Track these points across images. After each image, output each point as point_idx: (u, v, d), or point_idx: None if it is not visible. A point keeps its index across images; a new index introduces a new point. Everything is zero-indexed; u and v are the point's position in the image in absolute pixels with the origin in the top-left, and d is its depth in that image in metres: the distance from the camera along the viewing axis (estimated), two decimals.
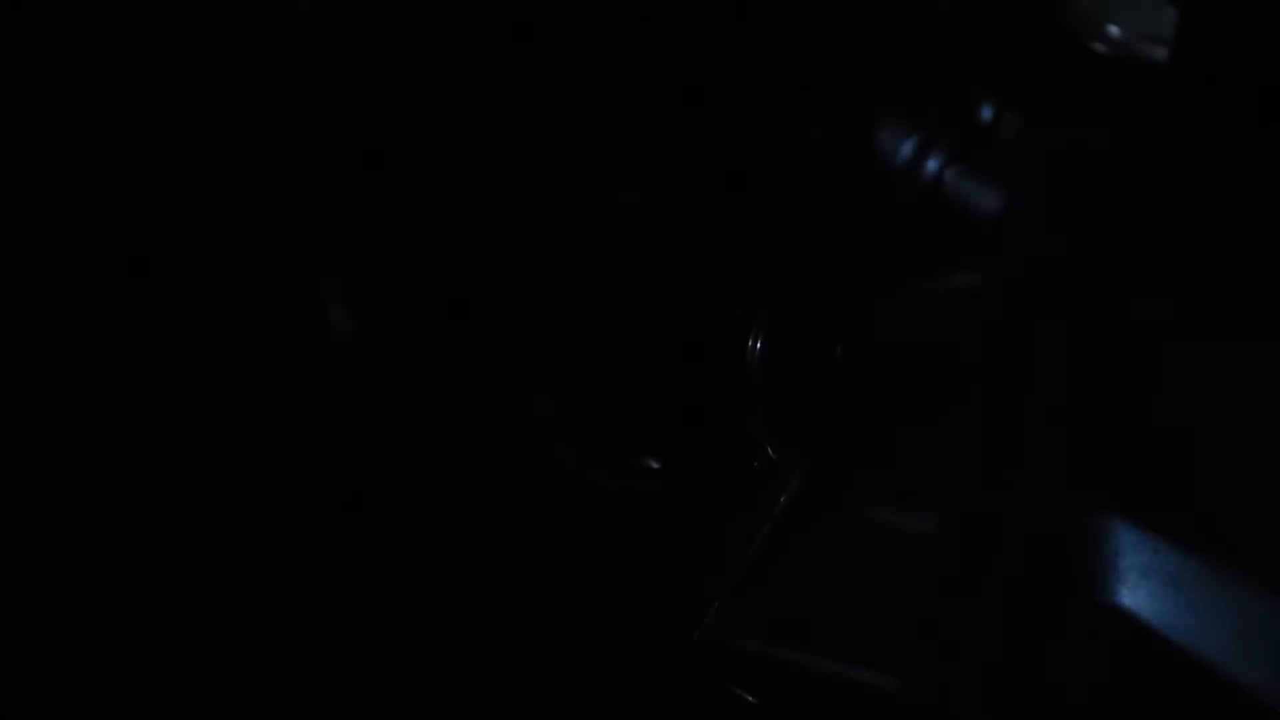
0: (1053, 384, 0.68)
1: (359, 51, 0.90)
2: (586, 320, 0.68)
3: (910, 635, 0.60)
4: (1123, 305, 0.74)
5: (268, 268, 0.89)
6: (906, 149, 0.84)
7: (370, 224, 0.91)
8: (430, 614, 0.82)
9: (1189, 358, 0.71)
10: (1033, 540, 0.61)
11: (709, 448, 0.68)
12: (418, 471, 0.85)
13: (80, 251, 0.86)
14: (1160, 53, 0.81)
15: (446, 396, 0.85)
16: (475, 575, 0.81)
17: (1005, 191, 0.81)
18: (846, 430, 0.69)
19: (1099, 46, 0.82)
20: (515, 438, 0.75)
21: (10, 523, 0.81)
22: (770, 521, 0.64)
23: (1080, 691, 0.60)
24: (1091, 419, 0.68)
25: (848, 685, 0.60)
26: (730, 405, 0.64)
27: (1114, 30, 0.81)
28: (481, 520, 0.82)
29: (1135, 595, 0.61)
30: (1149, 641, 0.61)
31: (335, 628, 0.83)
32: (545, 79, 0.94)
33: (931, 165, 0.84)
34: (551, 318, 0.70)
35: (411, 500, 0.85)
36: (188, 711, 0.81)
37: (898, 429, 0.70)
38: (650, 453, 0.67)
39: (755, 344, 0.61)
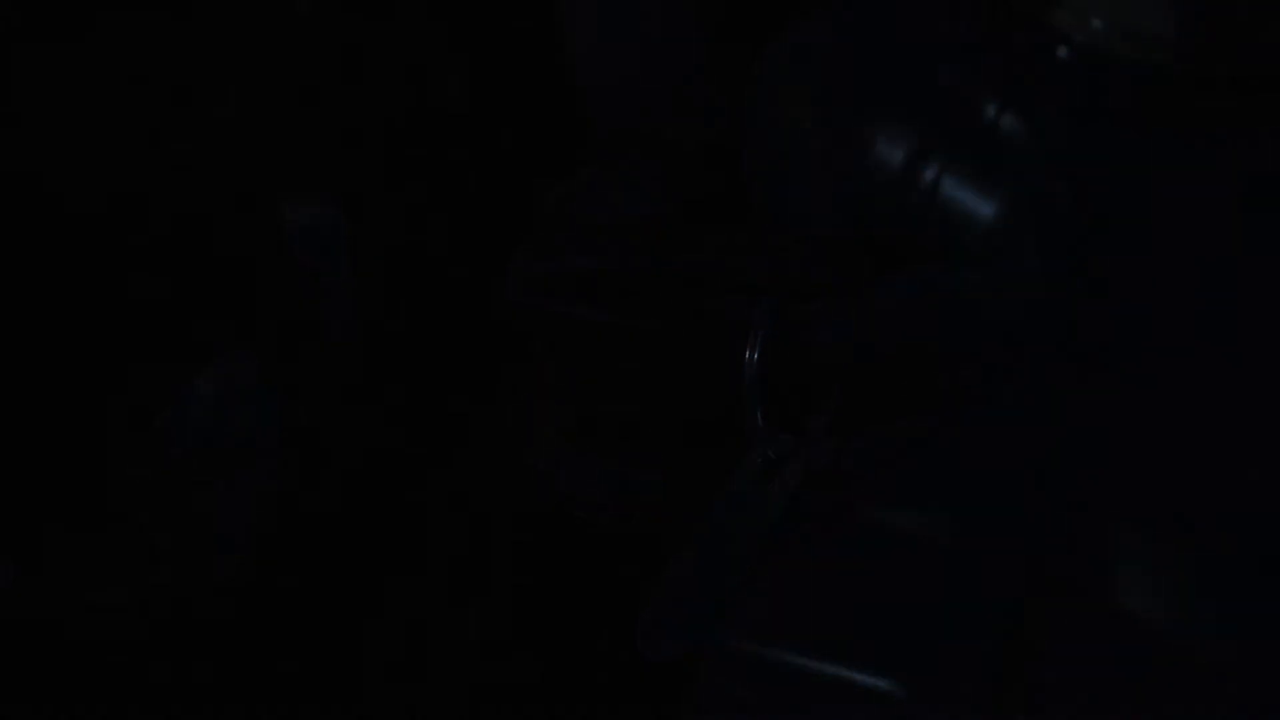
0: (1056, 385, 0.68)
1: (358, 52, 0.90)
2: (583, 322, 0.68)
3: (910, 636, 0.60)
4: (1122, 304, 0.74)
5: (263, 265, 0.89)
6: (903, 152, 0.84)
7: (370, 223, 0.91)
8: (427, 612, 0.82)
9: (1187, 357, 0.71)
10: (1031, 540, 0.61)
11: (708, 450, 0.68)
12: (415, 471, 0.85)
13: (72, 247, 0.86)
14: (1150, 52, 0.81)
15: (442, 396, 0.85)
16: (473, 574, 0.81)
17: (1006, 194, 0.81)
18: (847, 430, 0.69)
19: (1079, 38, 0.82)
20: (513, 440, 0.75)
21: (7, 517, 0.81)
22: (770, 522, 0.64)
23: (1078, 692, 0.60)
24: (1088, 420, 0.68)
25: (847, 686, 0.60)
26: (729, 406, 0.64)
27: (1098, 24, 0.81)
28: (479, 520, 0.82)
29: (1132, 596, 0.61)
30: (1145, 643, 0.61)
31: (331, 627, 0.83)
32: (544, 82, 0.94)
33: (930, 167, 0.84)
34: (547, 319, 0.70)
35: (409, 500, 0.85)
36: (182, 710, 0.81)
37: (899, 429, 0.70)
38: (649, 457, 0.67)
39: (754, 344, 0.61)
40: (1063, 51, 0.82)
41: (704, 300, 0.64)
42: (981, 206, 0.81)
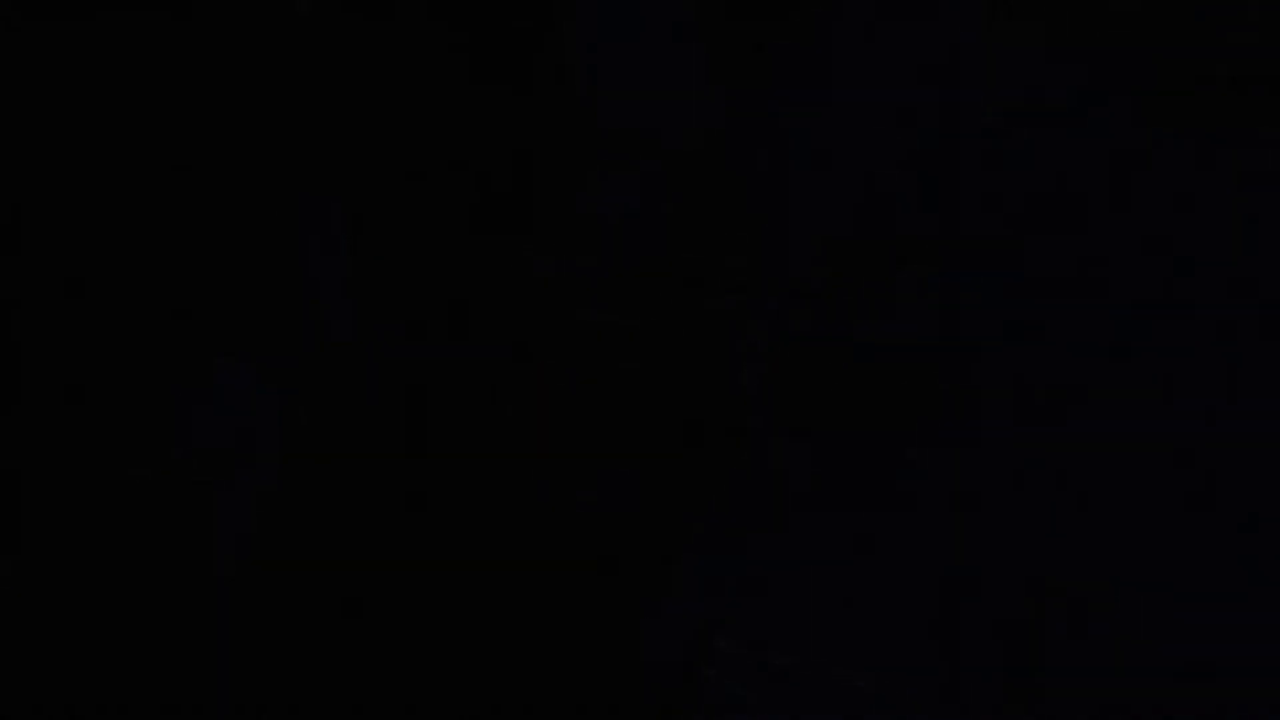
0: (1054, 387, 0.68)
1: (359, 55, 0.90)
2: (580, 322, 0.68)
3: (912, 638, 0.60)
4: (1120, 302, 0.74)
5: (266, 267, 0.89)
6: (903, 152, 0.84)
7: (371, 224, 0.91)
8: (426, 612, 0.82)
9: (1186, 356, 0.71)
10: (1031, 544, 0.61)
11: (707, 450, 0.67)
12: (416, 476, 0.85)
13: (71, 248, 0.86)
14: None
15: (442, 399, 0.85)
16: (472, 575, 0.81)
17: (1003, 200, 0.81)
18: (849, 431, 0.69)
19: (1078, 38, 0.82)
20: (515, 444, 0.75)
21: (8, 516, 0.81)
22: (766, 525, 0.64)
23: (1079, 693, 0.60)
24: (1088, 420, 0.68)
25: (844, 686, 0.60)
26: (730, 407, 0.63)
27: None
28: (478, 521, 0.82)
29: (1132, 599, 0.61)
30: (1144, 645, 0.61)
31: (330, 627, 0.83)
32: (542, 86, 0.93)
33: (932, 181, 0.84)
34: (544, 321, 0.70)
35: (408, 499, 0.85)
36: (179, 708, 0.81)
37: (901, 429, 0.70)
38: (648, 456, 0.67)
39: (755, 345, 0.61)
40: (1063, 51, 0.82)
41: (704, 300, 0.64)
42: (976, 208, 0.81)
